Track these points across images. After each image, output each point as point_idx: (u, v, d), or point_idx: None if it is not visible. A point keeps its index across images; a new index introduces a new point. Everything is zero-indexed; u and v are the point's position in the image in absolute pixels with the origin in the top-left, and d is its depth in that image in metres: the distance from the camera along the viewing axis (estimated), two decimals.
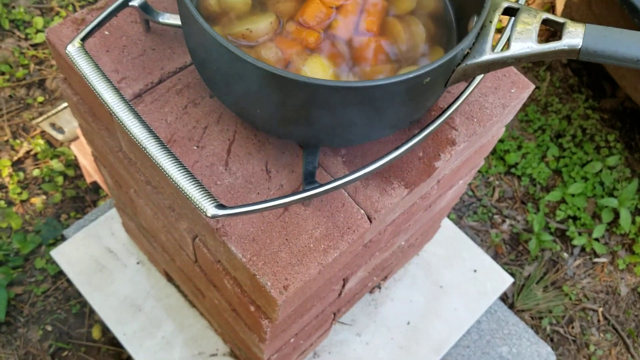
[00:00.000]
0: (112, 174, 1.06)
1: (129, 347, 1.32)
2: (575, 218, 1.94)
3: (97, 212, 1.54)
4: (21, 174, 1.76)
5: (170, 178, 0.55)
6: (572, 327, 1.76)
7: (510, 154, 2.00)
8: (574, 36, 0.57)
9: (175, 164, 0.55)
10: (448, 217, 1.79)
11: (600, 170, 2.01)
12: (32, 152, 1.80)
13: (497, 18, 0.62)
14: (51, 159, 1.79)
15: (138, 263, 1.41)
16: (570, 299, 1.80)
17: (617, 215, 1.93)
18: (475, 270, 1.53)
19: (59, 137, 1.79)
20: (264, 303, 0.70)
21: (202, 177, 0.70)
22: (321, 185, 0.60)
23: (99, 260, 1.41)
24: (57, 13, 2.11)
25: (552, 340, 1.73)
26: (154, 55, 0.77)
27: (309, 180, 0.65)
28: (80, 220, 1.55)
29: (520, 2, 0.64)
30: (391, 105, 0.59)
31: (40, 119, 1.82)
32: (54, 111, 1.82)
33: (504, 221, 1.91)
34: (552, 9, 2.37)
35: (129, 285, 1.38)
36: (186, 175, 0.55)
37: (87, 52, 0.60)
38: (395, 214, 0.78)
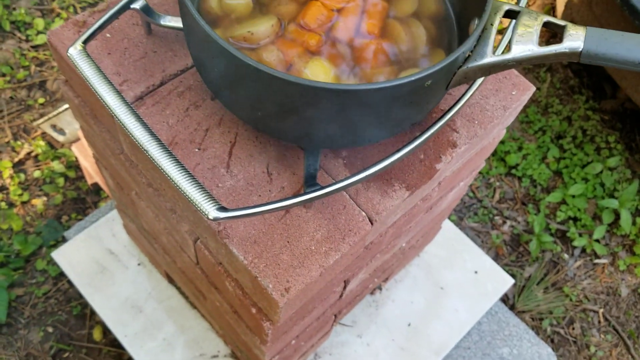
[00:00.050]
0: (113, 176, 1.06)
1: (130, 348, 1.32)
2: (575, 219, 1.94)
3: (98, 213, 1.54)
4: (22, 176, 1.76)
5: (172, 180, 0.55)
6: (573, 328, 1.76)
7: (511, 155, 2.00)
8: (575, 39, 0.57)
9: (176, 166, 0.55)
10: (449, 218, 1.79)
11: (601, 172, 2.01)
12: (33, 154, 1.80)
13: (498, 21, 0.62)
14: (52, 160, 1.79)
15: (139, 264, 1.41)
16: (571, 300, 1.80)
17: (618, 216, 1.93)
18: (476, 272, 1.53)
19: (60, 138, 1.79)
20: (266, 305, 0.70)
21: (203, 179, 0.70)
22: (322, 188, 0.60)
23: (100, 262, 1.41)
24: (58, 14, 2.11)
25: (552, 341, 1.73)
26: (155, 57, 0.77)
27: (310, 182, 0.65)
28: (81, 221, 1.55)
29: (521, 5, 0.64)
30: (392, 108, 0.59)
31: (41, 120, 1.82)
32: (54, 113, 1.82)
33: (504, 222, 1.91)
34: (552, 10, 2.38)
35: (130, 287, 1.38)
36: (188, 178, 0.55)
37: (89, 55, 0.61)
38: (396, 216, 0.78)
